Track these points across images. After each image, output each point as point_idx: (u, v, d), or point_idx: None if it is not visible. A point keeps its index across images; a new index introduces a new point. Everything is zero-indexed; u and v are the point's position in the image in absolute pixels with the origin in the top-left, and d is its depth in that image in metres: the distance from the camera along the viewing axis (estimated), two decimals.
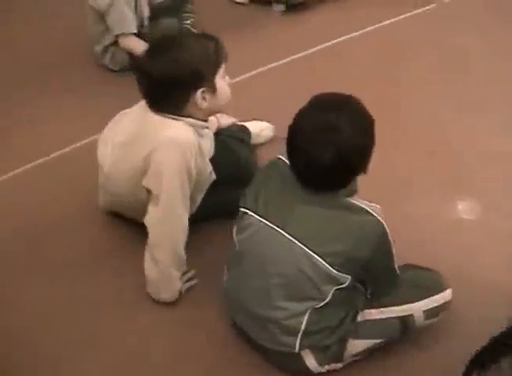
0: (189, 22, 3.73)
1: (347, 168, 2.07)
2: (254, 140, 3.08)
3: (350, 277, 2.12)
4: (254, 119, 3.15)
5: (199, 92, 2.38)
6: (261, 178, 2.25)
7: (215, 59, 2.41)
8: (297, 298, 2.16)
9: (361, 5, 4.26)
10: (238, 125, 2.88)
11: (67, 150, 3.20)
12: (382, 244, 2.12)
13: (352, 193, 2.15)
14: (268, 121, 3.18)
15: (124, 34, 3.53)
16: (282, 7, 4.17)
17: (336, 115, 2.04)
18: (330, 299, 2.14)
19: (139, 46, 3.39)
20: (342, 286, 2.13)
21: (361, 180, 2.15)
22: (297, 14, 4.15)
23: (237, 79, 3.50)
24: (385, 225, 2.10)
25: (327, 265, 2.08)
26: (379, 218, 2.10)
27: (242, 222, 2.24)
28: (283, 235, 2.11)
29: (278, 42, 3.91)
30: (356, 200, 2.13)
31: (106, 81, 3.64)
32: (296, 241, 2.10)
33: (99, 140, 2.70)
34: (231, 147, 2.66)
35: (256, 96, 3.44)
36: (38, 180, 3.05)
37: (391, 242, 2.15)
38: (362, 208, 2.10)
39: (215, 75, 2.41)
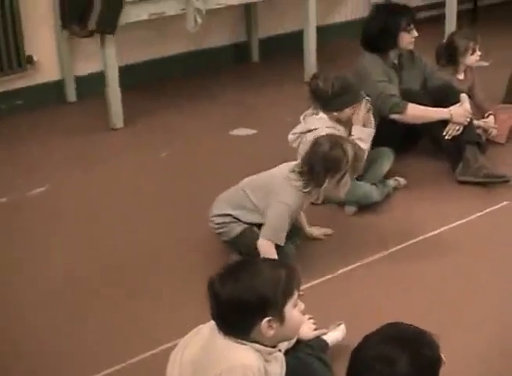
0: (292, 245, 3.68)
1: None
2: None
3: None
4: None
5: (265, 320, 2.31)
6: None
7: (286, 288, 2.35)
8: None
9: (431, 203, 4.27)
10: (320, 341, 2.78)
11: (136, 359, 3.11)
12: None
13: None
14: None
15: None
16: (353, 208, 4.18)
17: (397, 348, 2.03)
18: None
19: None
20: None
21: None
22: (369, 215, 4.14)
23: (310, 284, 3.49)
24: None
25: None
26: None
27: None
28: None
29: (350, 245, 3.87)
30: None
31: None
32: None
33: (171, 353, 2.63)
34: (312, 368, 2.56)
35: (331, 301, 3.39)
36: None
37: None
38: None
39: (285, 305, 2.35)
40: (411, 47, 4.72)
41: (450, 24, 6.95)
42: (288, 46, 6.63)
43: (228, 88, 6.21)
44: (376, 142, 4.26)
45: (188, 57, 6.48)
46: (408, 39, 4.66)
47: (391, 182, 4.37)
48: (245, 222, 3.56)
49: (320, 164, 3.42)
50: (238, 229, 3.56)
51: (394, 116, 4.44)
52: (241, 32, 6.78)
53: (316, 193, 3.50)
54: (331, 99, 4.02)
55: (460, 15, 7.22)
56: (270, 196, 3.47)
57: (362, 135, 3.99)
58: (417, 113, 4.46)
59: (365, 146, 3.93)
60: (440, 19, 7.05)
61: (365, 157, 3.88)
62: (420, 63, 4.84)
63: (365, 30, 4.75)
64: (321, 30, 6.34)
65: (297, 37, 6.26)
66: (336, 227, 4.01)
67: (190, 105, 5.85)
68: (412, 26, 4.65)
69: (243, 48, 6.81)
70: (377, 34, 4.63)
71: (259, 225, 3.52)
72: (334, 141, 3.49)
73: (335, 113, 4.05)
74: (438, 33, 6.62)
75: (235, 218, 3.56)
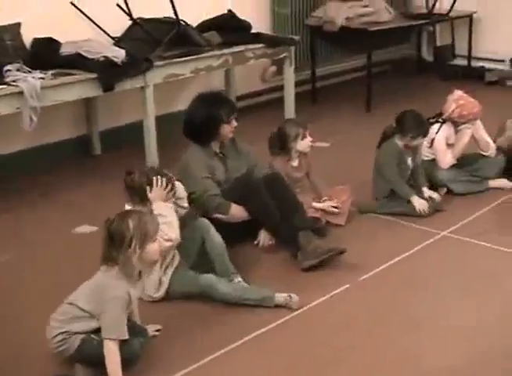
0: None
1: None
2: None
3: None
4: None
5: None
6: None
7: None
8: None
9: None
10: None
11: None
12: None
13: None
14: None
15: None
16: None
17: None
18: None
19: None
20: None
21: None
22: (209, 310, 4.11)
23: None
24: None
25: None
26: None
27: None
28: None
29: (188, 344, 3.83)
30: None
31: None
32: None
33: None
34: None
35: None
36: None
37: None
38: None
39: None
40: (231, 136, 4.87)
41: (289, 107, 7.15)
42: (129, 137, 6.61)
43: (69, 183, 6.10)
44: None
45: (27, 154, 6.32)
46: (228, 129, 4.80)
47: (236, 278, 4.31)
48: (82, 333, 3.49)
49: (108, 242, 3.49)
50: (76, 341, 3.49)
51: (217, 215, 4.60)
52: (82, 125, 6.71)
53: (130, 269, 3.49)
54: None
55: (300, 96, 7.47)
56: (98, 297, 3.45)
57: (162, 211, 3.99)
58: (238, 213, 4.65)
59: (169, 218, 3.99)
60: (281, 102, 7.24)
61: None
62: (243, 152, 4.98)
63: (187, 120, 4.85)
64: (162, 119, 6.43)
65: (138, 128, 6.25)
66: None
67: (30, 204, 5.69)
68: (232, 116, 4.79)
69: (85, 141, 6.75)
70: (200, 125, 4.75)
71: (96, 332, 3.48)
72: (118, 216, 3.54)
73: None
74: (279, 115, 6.81)
75: (71, 332, 3.50)
